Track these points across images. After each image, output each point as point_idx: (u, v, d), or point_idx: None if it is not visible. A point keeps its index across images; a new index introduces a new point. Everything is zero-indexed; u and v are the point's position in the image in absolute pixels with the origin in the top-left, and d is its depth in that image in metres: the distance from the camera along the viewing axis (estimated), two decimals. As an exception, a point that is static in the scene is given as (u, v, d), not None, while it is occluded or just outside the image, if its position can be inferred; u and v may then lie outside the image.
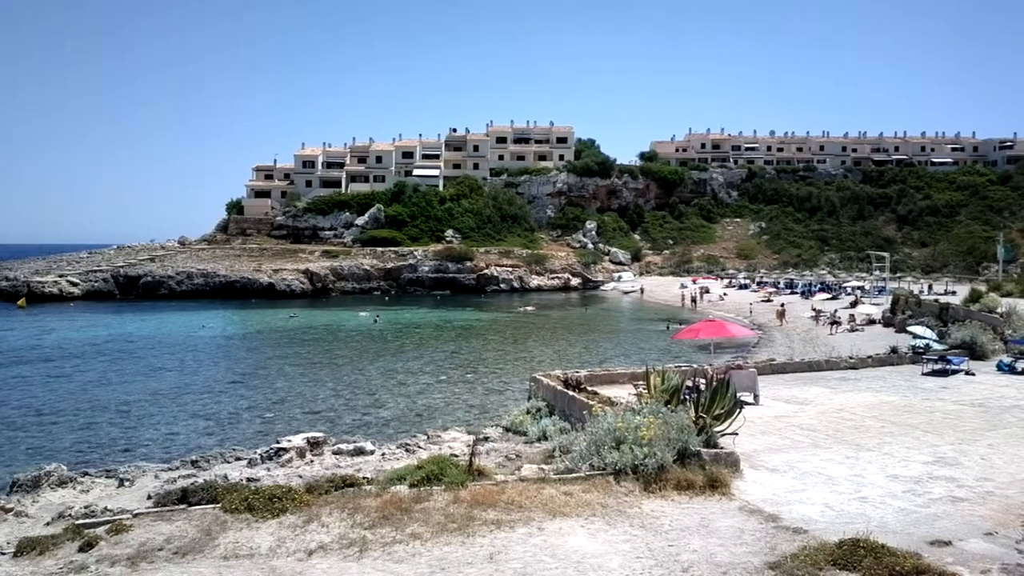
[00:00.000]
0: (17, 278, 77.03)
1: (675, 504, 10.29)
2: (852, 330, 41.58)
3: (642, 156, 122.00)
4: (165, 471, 16.95)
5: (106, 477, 16.45)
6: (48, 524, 12.45)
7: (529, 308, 66.68)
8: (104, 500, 14.37)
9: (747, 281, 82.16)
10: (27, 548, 8.88)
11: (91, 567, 8.21)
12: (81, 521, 10.05)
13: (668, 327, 47.80)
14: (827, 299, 60.05)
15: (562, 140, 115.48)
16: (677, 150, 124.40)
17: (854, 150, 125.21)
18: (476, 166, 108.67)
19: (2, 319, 58.17)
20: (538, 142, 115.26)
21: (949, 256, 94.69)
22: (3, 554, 9.56)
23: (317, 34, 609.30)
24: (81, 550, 8.65)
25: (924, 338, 27.81)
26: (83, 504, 13.78)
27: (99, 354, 40.71)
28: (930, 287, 65.47)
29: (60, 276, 76.88)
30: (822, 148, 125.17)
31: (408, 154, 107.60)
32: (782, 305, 54.86)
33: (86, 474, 16.65)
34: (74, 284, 75.73)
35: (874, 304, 49.18)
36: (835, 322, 43.50)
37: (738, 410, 13.54)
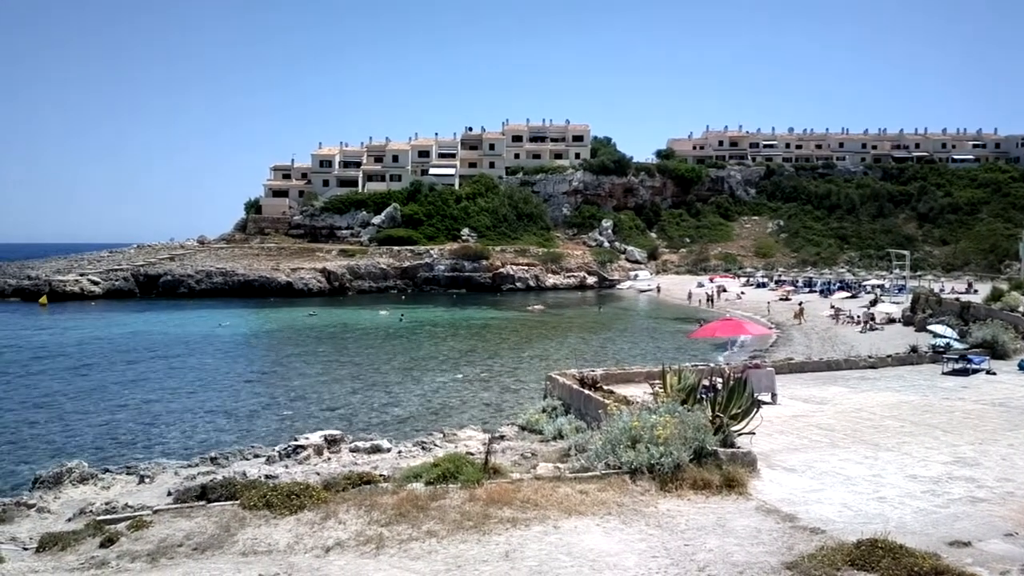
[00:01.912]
0: (39, 277, 77.95)
1: (691, 503, 10.25)
2: (872, 329, 41.22)
3: (659, 154, 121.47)
4: (185, 468, 17.12)
5: (127, 474, 16.65)
6: (69, 520, 12.62)
7: (538, 307, 66.40)
8: (124, 496, 14.55)
9: (765, 280, 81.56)
10: (49, 544, 9.01)
11: (112, 563, 8.31)
12: (102, 517, 10.18)
13: (701, 324, 47.37)
14: (846, 298, 59.56)
15: (578, 138, 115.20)
16: (694, 148, 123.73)
17: (874, 147, 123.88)
18: (492, 165, 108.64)
19: (24, 318, 58.96)
20: (554, 140, 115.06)
21: (970, 254, 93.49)
22: (25, 549, 9.72)
23: (333, 33, 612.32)
24: (102, 546, 8.75)
25: (944, 337, 27.55)
26: (104, 500, 13.97)
27: (120, 352, 41.15)
28: (970, 286, 63.88)
29: (81, 275, 77.71)
30: (841, 145, 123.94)
31: (424, 153, 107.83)
32: (800, 304, 54.46)
33: (107, 471, 16.86)
34: (95, 283, 76.54)
35: (894, 303, 48.73)
36: (868, 320, 42.85)
37: (755, 409, 13.47)
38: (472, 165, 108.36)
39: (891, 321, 42.68)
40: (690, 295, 71.44)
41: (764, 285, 77.46)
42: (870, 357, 24.55)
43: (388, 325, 54.06)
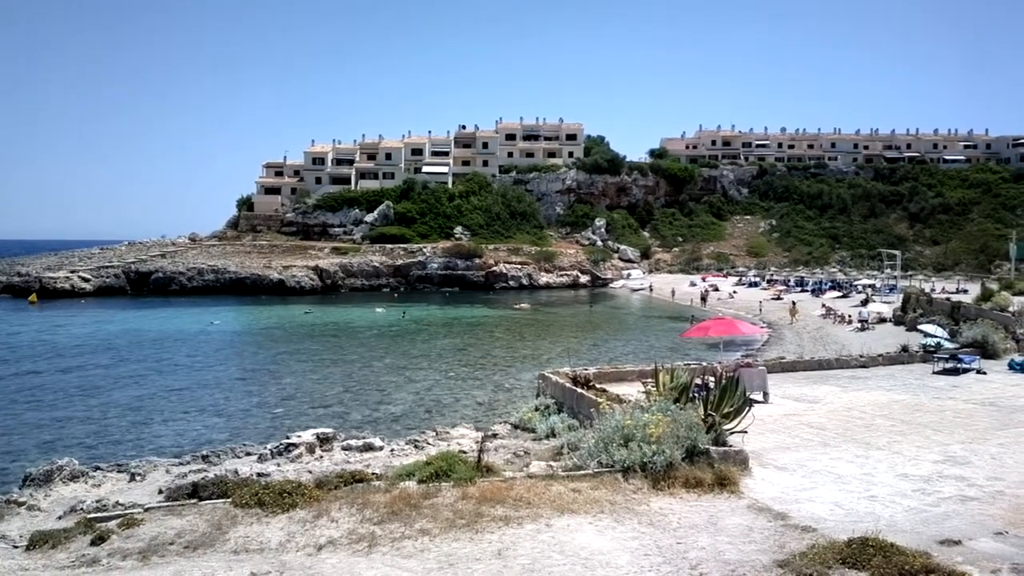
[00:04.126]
0: (29, 274, 77.56)
1: (683, 502, 10.28)
2: (863, 328, 41.38)
3: (652, 153, 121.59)
4: (176, 466, 17.05)
5: (117, 471, 16.56)
6: (60, 518, 12.55)
7: (525, 305, 66.33)
8: (115, 494, 14.48)
9: (757, 279, 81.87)
10: (40, 542, 8.96)
11: (103, 560, 8.27)
12: (93, 515, 10.13)
13: (693, 321, 47.30)
14: (838, 297, 59.81)
15: (571, 137, 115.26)
16: (687, 147, 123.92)
17: (866, 147, 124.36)
18: (485, 163, 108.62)
19: (14, 315, 58.60)
20: (547, 139, 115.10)
21: (961, 254, 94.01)
22: (16, 547, 9.66)
23: (327, 30, 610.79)
24: (93, 544, 8.71)
25: (935, 336, 27.66)
26: (95, 498, 13.89)
27: (110, 350, 40.97)
28: (983, 285, 63.53)
29: (72, 272, 77.32)
30: (833, 145, 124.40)
31: (418, 151, 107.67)
32: (793, 303, 54.71)
33: (97, 468, 16.76)
34: (86, 280, 76.18)
35: (885, 302, 48.94)
36: (865, 320, 42.86)
37: (747, 408, 13.52)
38: (465, 163, 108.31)
39: (882, 320, 42.85)
40: (673, 293, 72.17)
41: (756, 284, 77.71)
42: (861, 356, 24.63)
43: (386, 323, 53.94)
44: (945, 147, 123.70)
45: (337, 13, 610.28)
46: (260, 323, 55.21)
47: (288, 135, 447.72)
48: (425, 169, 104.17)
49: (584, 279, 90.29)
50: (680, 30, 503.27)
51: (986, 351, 24.75)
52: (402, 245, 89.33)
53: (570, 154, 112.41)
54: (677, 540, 8.86)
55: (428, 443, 18.05)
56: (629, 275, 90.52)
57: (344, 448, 17.81)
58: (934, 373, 22.46)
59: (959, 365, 22.77)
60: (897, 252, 76.28)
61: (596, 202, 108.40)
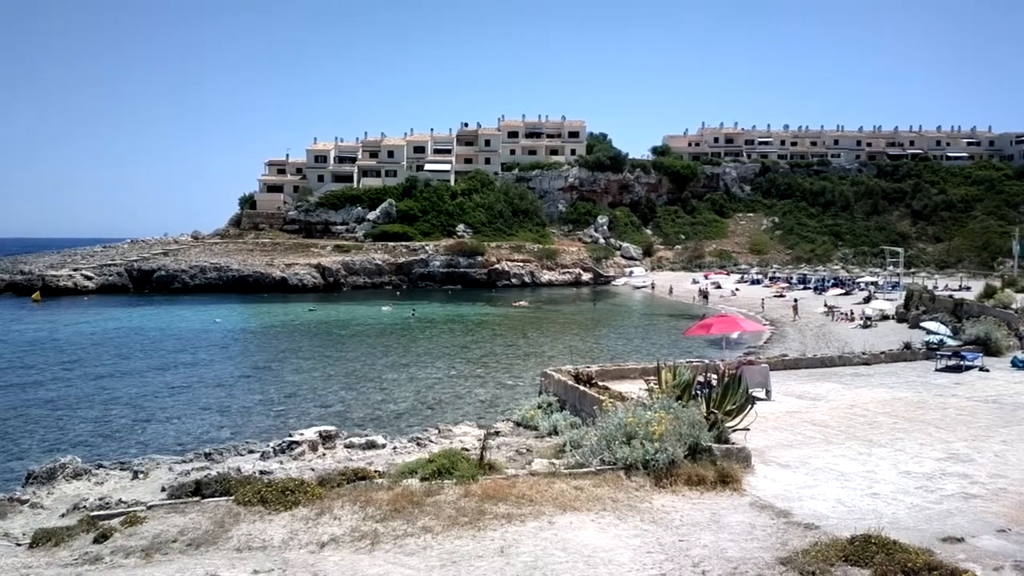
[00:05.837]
0: (32, 272, 77.65)
1: (686, 499, 10.27)
2: (865, 326, 41.34)
3: (654, 150, 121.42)
4: (179, 464, 17.07)
5: (120, 469, 16.60)
6: (63, 516, 12.58)
7: (524, 304, 66.29)
8: (118, 492, 14.51)
9: (759, 276, 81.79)
10: (42, 539, 8.97)
11: (106, 558, 8.28)
12: (96, 513, 10.15)
13: (703, 318, 47.07)
14: (840, 294, 59.73)
15: (574, 134, 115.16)
16: (690, 144, 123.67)
17: (868, 144, 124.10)
18: (488, 161, 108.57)
19: (17, 312, 58.70)
20: (550, 136, 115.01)
21: (964, 251, 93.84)
22: (19, 545, 9.69)
23: (329, 29, 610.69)
24: (96, 541, 8.72)
25: (938, 334, 27.61)
26: (97, 496, 13.93)
27: (113, 348, 41.02)
28: (1002, 281, 63.17)
29: (74, 270, 77.47)
30: (836, 142, 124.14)
31: (420, 149, 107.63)
32: (795, 300, 54.66)
33: (100, 466, 16.80)
34: (88, 278, 76.31)
35: (888, 300, 48.88)
36: (866, 317, 42.75)
37: (750, 406, 13.50)
38: (468, 161, 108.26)
39: (885, 318, 42.80)
40: (671, 290, 72.26)
41: (758, 282, 77.68)
42: (864, 354, 24.60)
43: (390, 321, 53.93)
44: (948, 144, 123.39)
45: (338, 12, 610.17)
46: (262, 321, 55.25)
47: (290, 133, 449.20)
48: (427, 167, 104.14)
49: (586, 277, 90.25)
50: (683, 28, 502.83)
51: (989, 348, 24.71)
52: (404, 243, 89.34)
53: (572, 151, 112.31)
54: (679, 538, 8.85)
55: (430, 441, 18.06)
56: (631, 273, 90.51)
57: (347, 446, 17.83)
58: (937, 370, 22.43)
59: (962, 362, 22.73)
60: (900, 249, 76.15)
61: (598, 200, 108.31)
